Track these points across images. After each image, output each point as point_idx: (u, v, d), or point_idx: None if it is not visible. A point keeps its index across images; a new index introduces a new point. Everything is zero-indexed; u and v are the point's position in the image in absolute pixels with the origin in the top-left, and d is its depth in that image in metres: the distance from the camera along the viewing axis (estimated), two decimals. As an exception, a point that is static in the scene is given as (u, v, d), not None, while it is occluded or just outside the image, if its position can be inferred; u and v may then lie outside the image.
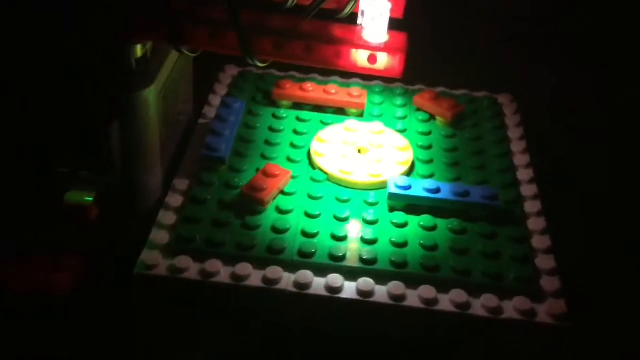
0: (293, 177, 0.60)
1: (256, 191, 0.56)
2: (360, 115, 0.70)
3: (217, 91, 0.73)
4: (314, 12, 0.53)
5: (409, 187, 0.57)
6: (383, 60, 0.50)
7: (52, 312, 0.56)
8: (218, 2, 0.52)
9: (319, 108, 0.70)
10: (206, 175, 0.60)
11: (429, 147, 0.66)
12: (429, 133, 0.68)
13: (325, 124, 0.68)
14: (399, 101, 0.72)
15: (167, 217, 0.56)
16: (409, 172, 0.62)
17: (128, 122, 0.54)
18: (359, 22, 0.52)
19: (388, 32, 0.51)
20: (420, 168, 0.63)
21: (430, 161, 0.64)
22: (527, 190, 0.62)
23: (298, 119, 0.68)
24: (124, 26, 0.50)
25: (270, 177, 0.58)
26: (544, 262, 0.55)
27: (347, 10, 0.55)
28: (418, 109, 0.71)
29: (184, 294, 0.52)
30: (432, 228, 0.56)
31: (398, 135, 0.66)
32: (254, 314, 0.53)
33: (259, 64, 0.52)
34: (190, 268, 0.52)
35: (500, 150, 0.66)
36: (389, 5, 0.49)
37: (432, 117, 0.70)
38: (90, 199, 0.56)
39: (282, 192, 0.59)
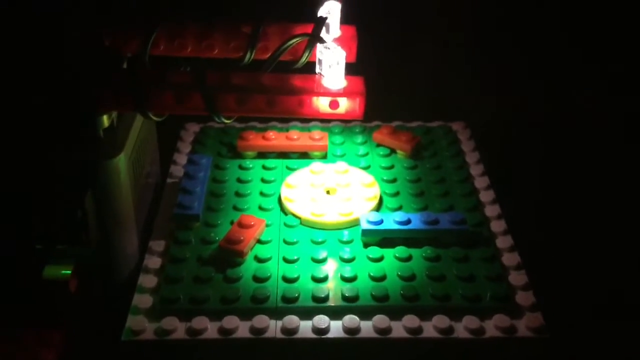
0: (267, 225, 0.62)
1: (234, 243, 0.57)
2: (324, 157, 0.72)
3: (181, 149, 0.74)
4: (272, 66, 0.56)
5: (380, 222, 0.59)
6: (344, 104, 0.52)
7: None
8: (180, 66, 0.54)
9: (283, 154, 0.72)
10: (182, 234, 0.61)
11: (394, 181, 0.68)
12: (392, 167, 0.70)
13: (291, 169, 0.70)
14: (359, 139, 0.74)
15: (148, 280, 0.57)
16: (378, 207, 0.65)
17: (100, 191, 0.54)
18: (317, 70, 0.54)
19: (345, 77, 0.54)
20: (388, 201, 0.65)
21: (396, 194, 0.66)
22: (491, 210, 0.65)
23: (264, 167, 0.70)
24: (88, 99, 0.51)
25: (245, 228, 0.59)
26: (517, 278, 0.57)
27: (303, 60, 0.57)
28: (378, 145, 0.73)
29: (173, 354, 0.53)
30: (408, 258, 0.58)
31: (363, 173, 0.68)
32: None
33: (225, 121, 0.53)
34: (178, 328, 0.53)
35: (460, 176, 0.69)
36: (344, 53, 0.52)
37: (392, 151, 0.72)
38: (68, 272, 0.56)
39: (259, 241, 0.60)
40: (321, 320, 0.53)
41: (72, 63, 0.51)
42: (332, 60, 0.51)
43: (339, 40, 0.61)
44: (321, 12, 0.59)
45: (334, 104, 0.52)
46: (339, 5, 0.59)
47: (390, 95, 0.85)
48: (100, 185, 0.54)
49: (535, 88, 0.85)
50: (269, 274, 0.56)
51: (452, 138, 0.75)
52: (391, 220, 0.60)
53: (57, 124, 0.52)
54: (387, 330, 0.53)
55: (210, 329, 0.53)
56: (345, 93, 0.52)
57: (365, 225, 0.59)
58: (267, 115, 0.52)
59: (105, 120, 0.54)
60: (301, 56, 0.57)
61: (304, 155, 0.72)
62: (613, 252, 0.69)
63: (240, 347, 0.52)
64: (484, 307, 0.54)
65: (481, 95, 0.85)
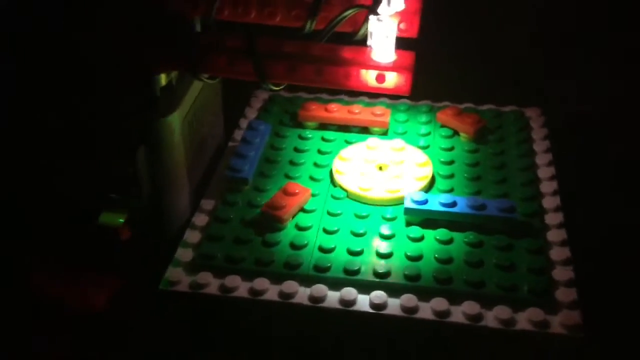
0: (314, 195, 0.62)
1: (275, 209, 0.58)
2: (384, 134, 0.71)
3: (247, 115, 0.76)
4: (326, 36, 0.55)
5: (425, 202, 0.58)
6: (391, 79, 0.52)
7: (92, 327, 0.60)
8: (234, 31, 0.56)
9: (344, 128, 0.72)
10: (230, 196, 0.62)
11: (451, 163, 0.66)
12: (452, 149, 0.68)
13: (349, 142, 0.70)
14: (423, 118, 0.73)
15: (193, 236, 0.59)
16: (429, 188, 0.63)
17: (154, 148, 0.57)
18: (368, 43, 0.53)
19: (396, 51, 0.53)
20: (440, 183, 0.64)
21: (450, 176, 0.65)
22: (549, 202, 0.62)
23: (323, 139, 0.70)
24: (147, 58, 0.53)
25: (289, 196, 0.60)
26: (562, 273, 0.54)
27: (362, 32, 0.57)
28: (442, 126, 0.72)
29: (205, 308, 0.55)
30: (448, 241, 0.57)
31: (419, 152, 0.67)
32: (272, 328, 0.55)
33: (273, 87, 0.54)
34: (211, 284, 0.55)
35: (523, 164, 0.66)
36: (395, 26, 0.51)
37: (455, 133, 0.70)
38: (122, 220, 0.60)
39: (303, 210, 0.61)
40: (349, 292, 0.53)
41: (134, 21, 0.53)
42: (382, 33, 0.50)
43: (401, 14, 0.60)
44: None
45: (380, 78, 0.51)
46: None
47: (465, 76, 0.83)
48: (154, 142, 0.57)
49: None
50: (305, 242, 0.57)
51: (522, 124, 0.72)
52: (436, 202, 0.58)
53: (117, 81, 0.54)
54: (414, 309, 0.52)
55: (241, 288, 0.54)
56: (393, 67, 0.51)
57: (408, 204, 0.58)
58: (316, 85, 0.53)
59: (163, 79, 0.56)
60: (360, 28, 0.57)
61: (365, 130, 0.71)
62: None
63: (268, 310, 0.54)
64: (519, 298, 0.52)
65: (574, 85, 0.81)
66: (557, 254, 0.56)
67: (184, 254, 0.57)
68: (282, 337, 0.55)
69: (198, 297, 0.54)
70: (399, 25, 0.59)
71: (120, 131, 0.55)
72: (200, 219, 0.61)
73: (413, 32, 0.60)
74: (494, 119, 0.73)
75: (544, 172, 0.66)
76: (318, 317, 0.53)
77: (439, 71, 0.84)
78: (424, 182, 0.63)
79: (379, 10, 0.57)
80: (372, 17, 0.51)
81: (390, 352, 0.53)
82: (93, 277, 0.62)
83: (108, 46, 0.53)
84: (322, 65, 0.52)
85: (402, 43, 0.58)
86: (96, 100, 0.54)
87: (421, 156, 0.66)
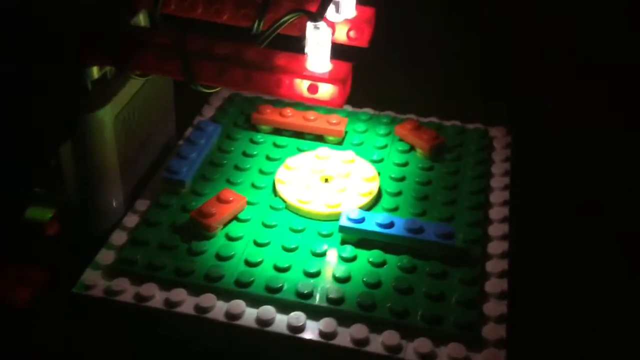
0: (250, 204, 0.60)
1: (204, 216, 0.56)
2: (339, 143, 0.68)
3: (204, 113, 0.73)
4: (267, 40, 0.53)
5: (361, 220, 0.56)
6: (324, 91, 0.49)
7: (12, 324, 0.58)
8: (165, 27, 0.53)
9: (299, 134, 0.69)
10: (164, 198, 0.60)
11: (401, 179, 0.63)
12: (405, 164, 0.65)
13: (301, 150, 0.67)
14: (382, 130, 0.70)
15: (119, 238, 0.57)
16: (373, 205, 0.61)
17: (82, 143, 0.55)
18: (305, 51, 0.51)
19: (333, 61, 0.50)
20: (385, 201, 0.61)
21: (398, 193, 0.62)
22: (496, 229, 0.59)
23: (274, 144, 0.68)
24: (74, 50, 0.51)
25: (222, 203, 0.57)
26: (494, 307, 0.51)
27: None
28: (400, 139, 0.69)
29: (119, 316, 0.52)
30: (381, 264, 0.54)
31: (368, 166, 0.64)
32: (187, 342, 0.52)
33: (203, 90, 0.52)
34: (127, 291, 0.52)
35: (475, 186, 0.63)
36: (329, 34, 0.48)
37: (412, 148, 0.68)
38: (49, 215, 0.57)
39: (237, 219, 0.58)
40: (266, 311, 0.50)
41: (63, 11, 0.51)
42: (315, 41, 0.48)
43: (352, 22, 0.57)
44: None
45: (312, 89, 0.48)
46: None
47: (436, 89, 0.80)
48: (81, 137, 0.54)
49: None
50: (232, 253, 0.54)
51: (484, 143, 0.69)
52: (373, 221, 0.56)
53: (43, 73, 0.52)
54: (332, 335, 0.49)
55: (157, 297, 0.52)
56: (326, 78, 0.49)
57: (343, 222, 0.56)
58: (246, 90, 0.50)
59: (95, 72, 0.54)
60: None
61: (320, 138, 0.69)
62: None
63: (183, 323, 0.51)
64: (442, 332, 0.49)
65: (556, 105, 0.78)
66: (493, 286, 0.53)
67: (106, 257, 0.55)
68: (197, 352, 0.53)
69: (112, 304, 0.52)
70: (348, 33, 0.57)
71: (44, 123, 0.53)
72: (131, 220, 0.59)
73: (363, 42, 0.57)
74: (456, 136, 0.70)
75: (497, 196, 0.63)
76: (234, 334, 0.51)
77: (411, 82, 0.82)
78: (368, 199, 0.60)
79: (327, 17, 0.54)
80: (309, 24, 0.49)
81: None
82: (19, 272, 0.60)
83: (36, 35, 0.51)
84: (253, 71, 0.49)
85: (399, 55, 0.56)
86: (21, 90, 0.52)
87: (370, 170, 0.63)
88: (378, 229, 0.55)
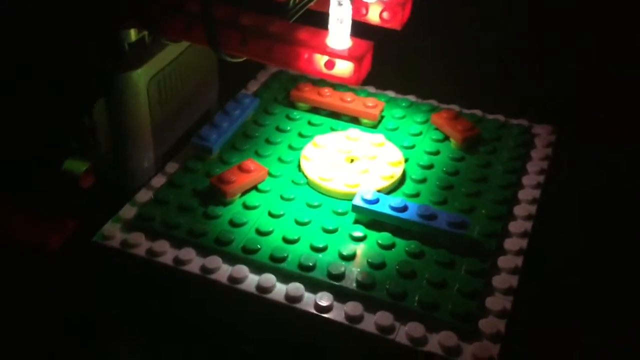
0: (273, 176, 0.61)
1: (222, 183, 0.57)
2: (374, 127, 0.68)
3: (248, 87, 0.75)
4: (296, 15, 0.53)
5: (375, 202, 0.55)
6: (341, 67, 0.49)
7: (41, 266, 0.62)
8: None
9: (336, 115, 0.69)
10: (191, 162, 0.62)
11: (429, 167, 0.63)
12: (437, 153, 0.65)
13: (334, 130, 0.67)
14: (420, 118, 0.69)
15: (143, 195, 0.59)
16: (395, 189, 0.60)
17: (115, 102, 0.57)
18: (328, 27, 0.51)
19: (354, 39, 0.50)
20: (408, 186, 0.60)
21: (422, 180, 0.61)
22: (517, 226, 0.57)
23: (309, 122, 0.68)
24: (111, 10, 0.53)
25: (242, 172, 0.58)
26: (497, 302, 0.50)
27: None
28: (436, 128, 0.68)
29: (132, 268, 0.55)
30: (389, 247, 0.54)
31: (396, 151, 0.63)
32: (191, 300, 0.54)
33: (228, 59, 0.53)
34: (141, 245, 0.54)
35: (504, 181, 0.61)
36: (349, 10, 0.48)
37: (446, 138, 0.66)
38: (84, 168, 0.60)
39: (256, 189, 0.59)
40: (267, 279, 0.51)
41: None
42: (335, 17, 0.48)
43: (386, 4, 0.57)
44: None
45: (328, 64, 0.49)
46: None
47: (490, 82, 0.78)
48: (115, 96, 0.57)
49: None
50: (245, 221, 0.56)
51: (524, 140, 0.67)
52: (386, 204, 0.55)
53: (81, 31, 0.55)
54: (327, 309, 0.49)
55: (168, 254, 0.54)
56: (343, 55, 0.49)
57: (357, 201, 0.56)
58: (267, 62, 0.51)
59: (133, 35, 0.56)
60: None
61: (356, 120, 0.69)
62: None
63: (189, 281, 0.53)
64: (437, 319, 0.48)
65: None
66: (502, 281, 0.52)
67: (128, 212, 0.58)
68: (200, 310, 0.54)
69: (127, 256, 0.54)
70: (381, 14, 0.57)
71: (79, 80, 0.56)
72: (157, 181, 0.61)
73: (396, 24, 0.57)
74: (495, 130, 0.68)
75: (527, 193, 0.61)
76: (236, 298, 0.52)
77: (462, 74, 0.81)
78: (388, 182, 0.60)
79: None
80: (332, 0, 0.49)
81: (297, 347, 0.52)
82: (52, 219, 0.63)
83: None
84: (274, 43, 0.50)
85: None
86: (59, 49, 0.55)
87: (396, 155, 0.62)
88: (390, 212, 0.55)
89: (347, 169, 0.61)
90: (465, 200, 0.59)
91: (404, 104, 0.72)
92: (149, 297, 0.56)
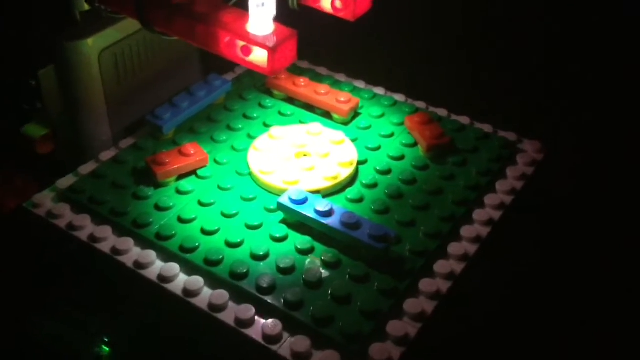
0: (219, 164, 0.58)
1: (155, 164, 0.56)
2: (346, 123, 0.64)
3: (236, 70, 0.72)
4: None
5: (301, 202, 0.52)
6: (257, 55, 0.46)
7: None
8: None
9: (311, 107, 0.66)
10: (143, 141, 0.61)
11: (385, 172, 0.58)
12: (400, 158, 0.60)
13: (302, 122, 0.64)
14: (397, 119, 0.64)
15: (87, 168, 0.59)
16: (340, 191, 0.56)
17: (64, 70, 0.57)
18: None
19: (278, 26, 0.46)
20: (354, 190, 0.56)
21: (372, 186, 0.57)
22: (457, 248, 0.52)
23: (279, 112, 0.66)
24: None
25: (180, 155, 0.57)
26: (401, 328, 0.45)
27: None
28: (409, 132, 0.63)
29: (53, 237, 0.54)
30: (304, 251, 0.51)
31: (351, 151, 0.59)
32: (100, 278, 0.53)
33: (163, 36, 0.51)
34: (64, 217, 0.54)
35: (460, 197, 0.56)
36: (272, -5, 0.45)
37: (417, 143, 0.62)
38: (42, 133, 0.61)
39: (196, 174, 0.57)
40: (169, 268, 0.49)
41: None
42: (256, 1, 0.45)
43: None
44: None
45: (245, 50, 0.46)
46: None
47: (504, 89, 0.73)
48: (64, 65, 0.57)
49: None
50: (170, 205, 0.54)
51: (501, 154, 0.61)
52: (312, 206, 0.52)
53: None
54: (219, 308, 0.47)
55: (86, 230, 0.53)
56: (258, 42, 0.45)
57: (283, 199, 0.53)
58: (192, 43, 0.48)
59: (85, 4, 0.56)
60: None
61: (328, 115, 0.65)
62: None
63: (97, 260, 0.52)
64: (327, 336, 0.45)
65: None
66: (415, 305, 0.47)
67: (66, 182, 0.57)
68: (107, 289, 0.53)
69: (48, 225, 0.54)
70: (333, 2, 0.53)
71: (27, 44, 0.56)
72: (106, 154, 0.60)
73: (349, 14, 0.53)
74: (473, 140, 0.62)
75: (483, 214, 0.55)
76: (140, 284, 0.51)
77: (469, 80, 0.75)
78: (330, 183, 0.56)
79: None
80: (257, -18, 0.46)
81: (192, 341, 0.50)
82: (10, 182, 0.64)
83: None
84: (197, 23, 0.47)
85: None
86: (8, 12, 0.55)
87: (349, 155, 0.58)
88: (312, 215, 0.51)
89: (292, 164, 0.58)
90: (408, 212, 0.54)
91: (386, 103, 0.67)
92: (68, 271, 0.55)
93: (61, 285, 0.56)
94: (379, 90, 0.70)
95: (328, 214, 0.51)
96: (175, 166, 0.56)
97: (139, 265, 0.50)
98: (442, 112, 0.67)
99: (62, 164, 0.61)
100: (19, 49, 0.57)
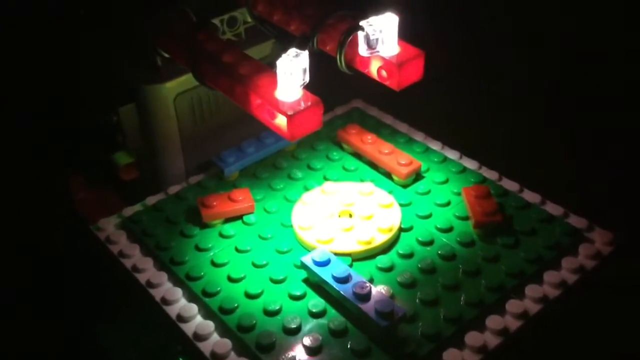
0: (267, 212, 0.60)
1: (204, 205, 0.59)
2: (405, 186, 0.63)
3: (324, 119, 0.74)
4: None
5: (323, 264, 0.52)
6: (280, 120, 0.47)
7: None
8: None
9: (376, 165, 0.66)
10: (206, 180, 0.64)
11: (427, 244, 0.57)
12: (449, 230, 0.58)
13: (363, 180, 0.64)
14: (458, 188, 0.62)
15: (153, 199, 0.63)
16: (370, 256, 0.55)
17: (142, 109, 0.62)
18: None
19: (304, 93, 0.47)
20: (384, 258, 0.55)
21: (408, 256, 0.55)
22: (476, 339, 0.49)
23: (343, 167, 0.66)
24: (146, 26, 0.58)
25: (228, 200, 0.59)
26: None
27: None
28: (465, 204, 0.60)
29: (110, 261, 0.59)
30: (316, 315, 0.51)
31: (396, 216, 0.58)
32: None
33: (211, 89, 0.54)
34: (119, 243, 0.59)
35: (497, 283, 0.52)
36: (300, 63, 0.45)
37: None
38: (126, 161, 0.67)
39: (242, 220, 0.60)
40: (189, 309, 0.52)
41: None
42: (285, 69, 0.46)
43: (388, 60, 0.52)
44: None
45: (270, 114, 0.47)
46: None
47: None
48: (143, 105, 0.62)
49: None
50: (208, 247, 0.57)
51: (560, 242, 0.56)
52: (332, 269, 0.51)
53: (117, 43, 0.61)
54: (219, 356, 0.49)
55: (132, 259, 0.57)
56: (278, 106, 0.46)
57: (306, 259, 0.53)
58: (234, 101, 0.50)
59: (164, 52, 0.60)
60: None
61: (390, 175, 0.64)
62: None
63: (137, 288, 0.56)
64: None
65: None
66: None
67: (130, 211, 0.62)
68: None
69: (105, 249, 0.59)
70: (379, 71, 0.53)
71: (108, 84, 0.62)
72: (173, 189, 0.65)
73: (393, 84, 0.52)
74: (536, 222, 0.58)
75: (518, 306, 0.51)
76: (162, 319, 0.54)
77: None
78: (363, 247, 0.55)
79: (365, 50, 0.51)
80: (290, 51, 0.47)
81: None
82: (104, 198, 0.71)
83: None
84: (236, 84, 0.49)
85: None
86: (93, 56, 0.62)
87: (390, 220, 0.57)
88: (328, 279, 0.51)
89: (332, 223, 0.58)
90: (434, 290, 0.52)
91: (453, 169, 0.65)
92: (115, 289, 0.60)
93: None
94: (453, 154, 0.68)
95: (344, 280, 0.51)
96: (221, 210, 0.59)
97: (165, 301, 0.54)
98: (514, 186, 0.64)
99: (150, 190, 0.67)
100: (107, 84, 0.63)
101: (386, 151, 0.65)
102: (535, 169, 0.69)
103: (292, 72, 0.46)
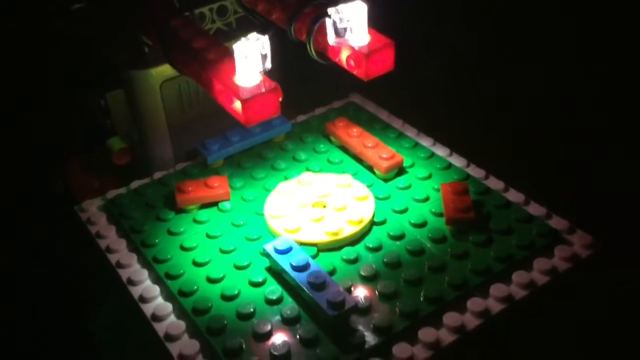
0: (245, 201, 0.61)
1: (180, 191, 0.59)
2: (386, 180, 0.62)
3: (316, 111, 0.74)
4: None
5: (283, 252, 0.52)
6: (237, 105, 0.47)
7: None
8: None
9: (359, 158, 0.65)
10: (190, 167, 0.65)
11: (397, 238, 0.56)
12: (422, 225, 0.57)
13: (345, 172, 0.63)
14: (438, 184, 0.61)
15: (137, 184, 0.65)
16: (337, 247, 0.55)
17: (131, 94, 0.63)
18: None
19: (265, 78, 0.47)
20: (350, 250, 0.54)
21: (375, 249, 0.55)
22: (429, 335, 0.47)
23: (328, 160, 0.66)
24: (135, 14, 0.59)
25: (204, 186, 0.60)
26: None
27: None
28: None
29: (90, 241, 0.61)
30: (273, 302, 0.51)
31: (368, 210, 0.57)
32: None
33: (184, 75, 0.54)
34: (98, 224, 0.60)
35: (459, 281, 0.51)
36: (259, 46, 0.45)
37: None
38: (119, 147, 0.68)
39: (218, 207, 0.60)
40: (149, 290, 0.53)
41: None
42: (242, 52, 0.46)
43: (357, 50, 0.51)
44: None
45: (227, 99, 0.47)
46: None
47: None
48: (130, 89, 0.63)
49: None
50: (179, 231, 0.58)
51: (533, 243, 0.54)
52: (290, 258, 0.51)
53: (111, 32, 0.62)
54: (171, 337, 0.49)
55: (110, 239, 0.58)
56: (235, 90, 0.46)
57: (267, 246, 0.53)
58: (201, 86, 0.51)
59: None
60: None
61: (372, 169, 0.64)
62: None
63: (110, 279, 0.57)
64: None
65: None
66: (350, 382, 0.45)
67: (114, 193, 0.63)
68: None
69: (86, 229, 0.61)
70: (348, 60, 0.52)
71: (96, 70, 0.63)
72: (158, 174, 0.66)
73: (361, 73, 0.52)
74: (513, 222, 0.56)
75: (478, 303, 0.50)
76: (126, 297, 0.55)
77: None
78: (329, 238, 0.55)
79: (333, 38, 0.51)
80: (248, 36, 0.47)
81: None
82: (103, 183, 0.73)
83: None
84: (200, 68, 0.49)
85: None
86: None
87: (361, 213, 0.57)
88: (286, 267, 0.51)
89: (303, 213, 0.58)
90: (393, 285, 0.51)
91: (438, 165, 0.64)
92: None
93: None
94: (442, 151, 0.66)
95: (301, 269, 0.51)
96: (196, 195, 0.60)
97: (130, 281, 0.55)
98: (499, 184, 0.62)
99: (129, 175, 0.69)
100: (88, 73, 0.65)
101: (370, 144, 0.64)
102: (541, 174, 0.67)
103: (247, 55, 0.47)
